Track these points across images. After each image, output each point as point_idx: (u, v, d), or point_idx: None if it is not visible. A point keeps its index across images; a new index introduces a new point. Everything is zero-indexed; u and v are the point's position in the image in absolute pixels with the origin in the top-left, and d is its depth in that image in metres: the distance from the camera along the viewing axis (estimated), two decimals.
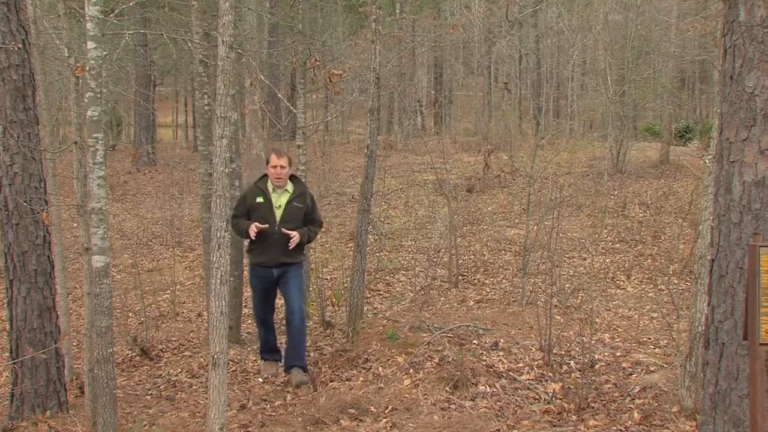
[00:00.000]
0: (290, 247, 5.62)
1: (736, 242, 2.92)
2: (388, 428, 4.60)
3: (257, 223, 5.57)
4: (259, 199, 5.72)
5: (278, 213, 5.69)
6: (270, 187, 5.76)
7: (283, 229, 5.62)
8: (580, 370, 5.43)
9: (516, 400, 4.99)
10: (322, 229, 6.32)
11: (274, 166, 5.70)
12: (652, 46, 18.76)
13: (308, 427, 4.75)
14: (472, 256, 10.22)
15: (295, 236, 5.63)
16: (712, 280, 3.06)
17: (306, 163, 7.80)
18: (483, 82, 29.66)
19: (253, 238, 5.60)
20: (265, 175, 5.83)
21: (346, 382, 5.52)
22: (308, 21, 19.21)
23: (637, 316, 7.22)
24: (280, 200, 5.73)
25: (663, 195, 13.39)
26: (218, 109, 3.74)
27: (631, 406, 4.74)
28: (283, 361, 5.88)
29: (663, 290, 8.20)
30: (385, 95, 22.66)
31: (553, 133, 16.40)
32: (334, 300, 7.96)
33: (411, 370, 5.53)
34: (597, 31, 19.25)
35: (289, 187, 5.80)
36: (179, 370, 6.34)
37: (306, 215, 5.79)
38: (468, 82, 32.99)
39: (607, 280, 8.92)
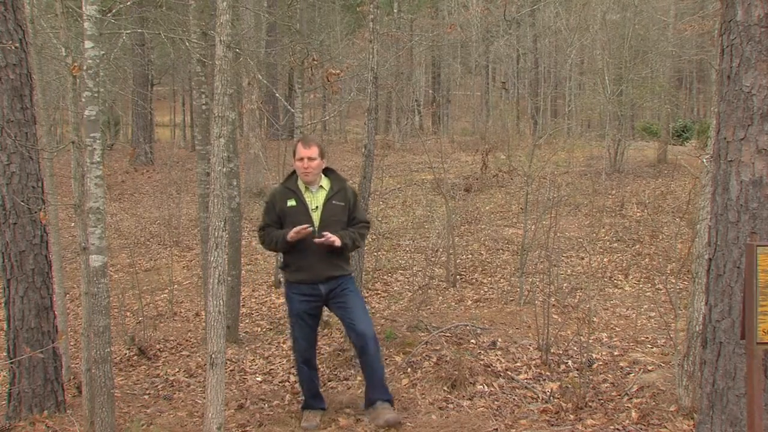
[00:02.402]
0: (332, 248, 4.57)
1: (733, 241, 2.93)
2: (386, 428, 4.60)
3: (295, 228, 4.56)
4: (291, 203, 4.71)
5: (316, 216, 4.67)
6: (302, 186, 4.75)
7: (316, 239, 4.57)
8: (577, 370, 5.44)
9: (514, 399, 4.99)
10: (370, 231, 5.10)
11: (301, 159, 4.67)
12: (650, 46, 18.77)
13: None
14: (470, 256, 10.22)
15: (332, 237, 4.56)
16: (710, 279, 3.06)
17: None
18: (481, 82, 29.71)
19: (290, 242, 4.59)
20: (294, 172, 4.85)
21: (344, 382, 5.52)
22: (306, 20, 19.20)
23: (634, 315, 7.23)
24: (316, 200, 4.72)
25: (661, 194, 13.40)
26: (216, 109, 3.74)
27: (629, 405, 4.74)
28: (365, 399, 4.82)
29: (660, 289, 8.21)
30: (382, 95, 22.67)
31: (551, 133, 16.38)
32: None
33: (409, 370, 5.53)
34: (595, 30, 19.26)
35: (325, 183, 4.79)
36: (177, 369, 6.33)
37: (349, 214, 4.79)
38: (466, 81, 33.02)
39: (605, 279, 8.92)
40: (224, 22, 3.72)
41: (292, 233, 4.53)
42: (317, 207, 4.70)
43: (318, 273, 4.64)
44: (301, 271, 4.67)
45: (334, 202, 4.72)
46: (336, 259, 4.67)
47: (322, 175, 4.79)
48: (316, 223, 4.65)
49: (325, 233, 4.55)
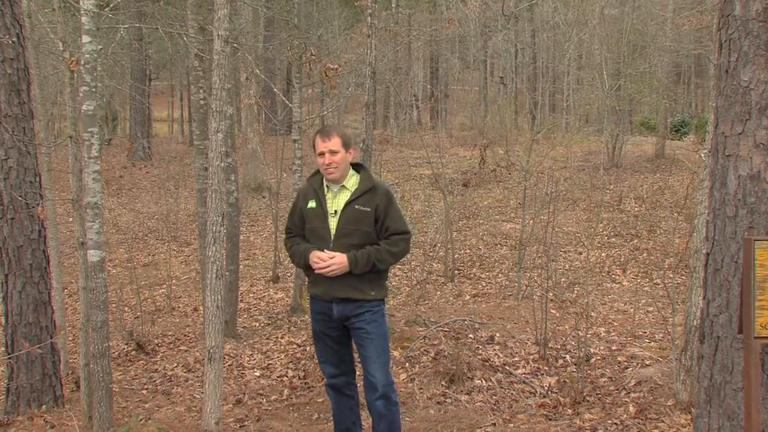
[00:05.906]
0: (323, 272, 3.68)
1: (731, 236, 2.93)
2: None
3: (317, 252, 3.71)
4: (311, 204, 3.82)
5: (333, 223, 3.75)
6: (325, 185, 3.85)
7: (316, 265, 3.71)
8: (575, 364, 5.45)
9: (512, 394, 5.01)
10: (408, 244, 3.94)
11: (321, 154, 3.75)
12: (648, 41, 18.75)
13: (304, 422, 4.76)
14: (468, 251, 10.23)
15: (330, 262, 3.67)
16: (707, 273, 3.06)
17: (301, 157, 7.79)
18: (479, 77, 29.69)
19: (312, 268, 3.76)
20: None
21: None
22: (304, 15, 19.17)
23: (632, 310, 7.24)
24: (335, 203, 3.79)
25: (658, 189, 13.42)
26: (214, 104, 3.74)
27: (627, 399, 4.76)
28: None
29: (658, 284, 8.22)
30: (380, 89, 22.63)
31: (549, 128, 16.40)
32: None
33: (407, 365, 5.54)
34: (593, 25, 19.25)
35: (350, 182, 3.82)
36: (175, 364, 6.34)
37: (377, 224, 3.75)
38: (464, 76, 33.02)
39: (603, 274, 8.94)
40: (222, 17, 3.71)
41: (314, 259, 3.71)
42: (336, 211, 3.77)
43: (329, 291, 3.76)
44: (315, 285, 3.84)
45: (357, 206, 3.74)
46: (354, 279, 3.71)
47: (353, 172, 3.86)
48: (332, 231, 3.74)
49: (325, 255, 3.69)
